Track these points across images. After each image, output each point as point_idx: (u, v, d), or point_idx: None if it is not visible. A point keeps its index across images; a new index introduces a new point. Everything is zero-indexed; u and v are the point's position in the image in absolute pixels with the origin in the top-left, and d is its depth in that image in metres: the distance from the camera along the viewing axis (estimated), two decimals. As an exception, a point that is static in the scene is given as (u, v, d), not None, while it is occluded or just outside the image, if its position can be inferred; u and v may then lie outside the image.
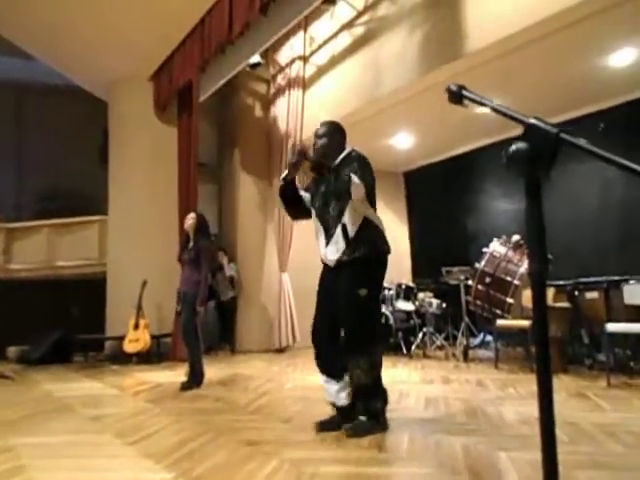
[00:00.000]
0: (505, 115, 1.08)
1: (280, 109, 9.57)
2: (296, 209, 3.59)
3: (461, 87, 1.20)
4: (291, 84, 9.20)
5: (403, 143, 9.34)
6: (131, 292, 8.23)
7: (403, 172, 11.27)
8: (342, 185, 3.15)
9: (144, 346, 7.98)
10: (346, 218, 3.27)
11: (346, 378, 3.35)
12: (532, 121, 1.01)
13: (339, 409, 3.40)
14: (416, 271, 10.50)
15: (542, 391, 0.91)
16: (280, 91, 9.63)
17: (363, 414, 3.26)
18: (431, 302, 7.85)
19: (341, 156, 3.41)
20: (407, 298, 8.12)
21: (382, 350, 3.46)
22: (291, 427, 3.53)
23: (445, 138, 9.16)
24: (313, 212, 3.52)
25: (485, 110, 1.14)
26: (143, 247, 8.85)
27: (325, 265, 3.46)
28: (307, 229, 10.03)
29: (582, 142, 0.92)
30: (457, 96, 1.20)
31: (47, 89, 11.31)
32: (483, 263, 6.75)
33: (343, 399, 3.36)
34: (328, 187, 3.38)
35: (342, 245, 3.28)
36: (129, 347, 7.99)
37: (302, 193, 3.58)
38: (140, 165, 9.17)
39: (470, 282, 6.97)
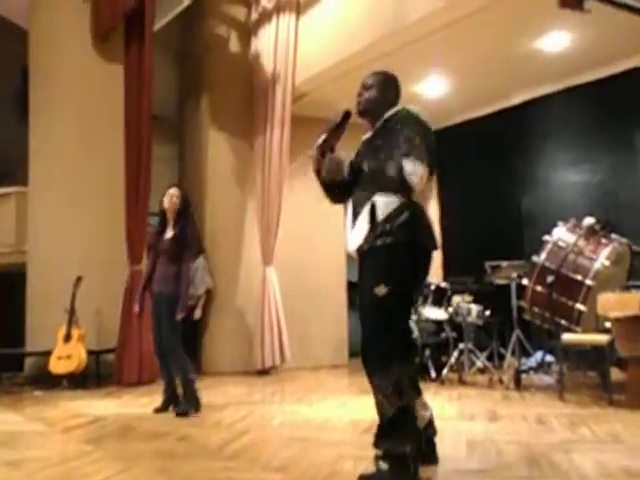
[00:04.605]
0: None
1: (265, 42, 9.43)
2: (337, 190, 3.69)
3: None
4: (281, 8, 9.06)
5: (434, 91, 9.22)
6: (60, 291, 8.12)
7: (434, 131, 11.14)
8: (384, 159, 3.30)
9: (78, 365, 7.87)
10: (379, 196, 3.34)
11: (421, 402, 3.51)
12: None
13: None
14: (449, 266, 10.43)
15: None
16: (265, 17, 9.48)
17: (384, 458, 3.27)
18: (470, 309, 7.80)
19: (387, 114, 3.52)
20: (437, 303, 8.05)
21: (412, 372, 3.49)
22: (286, 479, 3.47)
23: (491, 84, 9.04)
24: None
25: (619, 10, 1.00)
26: (77, 230, 8.72)
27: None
28: (301, 208, 9.98)
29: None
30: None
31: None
32: (544, 256, 6.69)
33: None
34: (366, 155, 3.49)
35: (366, 229, 3.35)
36: (58, 366, 7.89)
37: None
38: (72, 117, 9.01)
39: (525, 282, 6.92)
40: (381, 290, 3.23)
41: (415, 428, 3.37)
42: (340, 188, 3.67)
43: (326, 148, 3.52)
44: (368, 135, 3.64)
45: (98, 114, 9.03)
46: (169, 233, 5.97)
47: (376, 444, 3.35)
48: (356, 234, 3.42)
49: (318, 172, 3.62)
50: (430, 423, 3.62)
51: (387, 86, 3.63)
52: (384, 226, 3.30)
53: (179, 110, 10.70)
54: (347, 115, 3.44)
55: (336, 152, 3.60)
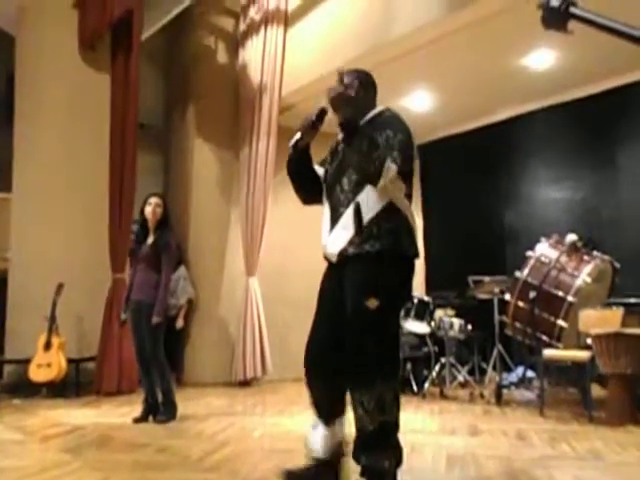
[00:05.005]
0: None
1: (253, 53, 9.44)
2: (309, 189, 3.60)
3: (568, 1, 1.08)
4: (269, 20, 9.08)
5: (420, 105, 9.26)
6: (41, 298, 8.06)
7: (418, 145, 11.15)
8: (368, 153, 3.12)
9: (58, 373, 7.82)
10: (363, 196, 3.23)
11: (342, 421, 3.36)
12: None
13: (320, 461, 3.36)
14: (432, 281, 10.45)
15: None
16: (253, 29, 9.49)
17: (363, 474, 3.23)
18: (452, 323, 7.83)
19: (370, 114, 3.41)
20: (420, 317, 8.05)
21: (396, 388, 3.36)
22: (265, 492, 3.46)
23: (477, 100, 9.10)
24: (324, 190, 3.52)
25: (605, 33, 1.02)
26: (59, 237, 8.69)
27: (329, 264, 3.46)
28: (285, 219, 9.96)
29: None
30: (559, 16, 1.08)
31: None
32: (526, 272, 6.73)
33: (325, 450, 3.33)
34: (346, 154, 3.37)
35: (350, 232, 3.23)
36: (37, 374, 7.83)
37: (316, 167, 3.59)
38: (58, 124, 9.00)
39: (507, 297, 6.95)
40: (373, 303, 3.13)
41: (396, 443, 3.29)
42: (310, 186, 3.59)
43: (301, 146, 3.44)
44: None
45: (84, 122, 9.03)
46: (150, 240, 6.00)
47: (354, 457, 3.30)
48: (339, 236, 3.30)
49: (291, 172, 3.56)
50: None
51: (365, 85, 3.52)
52: (371, 230, 3.20)
53: (165, 119, 10.67)
54: (322, 113, 3.35)
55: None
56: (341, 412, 3.37)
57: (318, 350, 3.41)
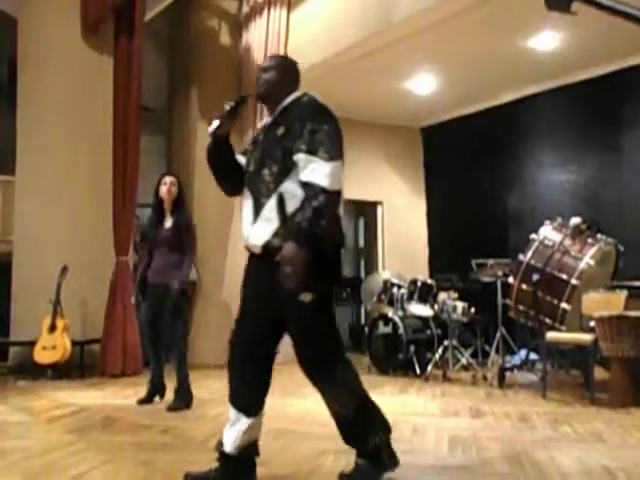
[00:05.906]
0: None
1: (256, 35, 9.41)
2: (231, 180, 3.46)
3: None
4: (272, 2, 9.04)
5: (423, 88, 9.24)
6: (46, 281, 8.07)
7: (421, 128, 11.17)
8: (281, 139, 3.11)
9: (63, 355, 7.85)
10: (287, 186, 3.07)
11: (258, 418, 3.29)
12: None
13: (227, 458, 3.26)
14: (436, 264, 10.46)
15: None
16: (256, 10, 9.46)
17: (358, 455, 3.26)
18: (455, 306, 7.82)
19: (288, 100, 3.31)
20: (423, 300, 8.08)
21: (350, 362, 3.30)
22: (269, 473, 3.47)
23: (480, 82, 9.09)
24: (245, 179, 3.36)
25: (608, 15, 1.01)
26: (63, 220, 8.68)
27: (252, 255, 3.29)
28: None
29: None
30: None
31: None
32: (529, 255, 6.72)
33: (237, 444, 3.24)
34: (264, 141, 3.28)
35: (275, 224, 3.07)
36: (42, 356, 7.86)
37: (238, 157, 3.46)
38: (61, 107, 8.96)
39: (510, 280, 6.95)
40: (307, 297, 2.99)
41: (376, 415, 3.26)
42: (232, 176, 3.44)
43: (220, 135, 3.32)
44: (267, 122, 3.39)
45: (86, 105, 8.98)
46: (168, 222, 5.84)
47: (345, 442, 3.29)
48: (262, 228, 3.12)
49: (211, 162, 3.45)
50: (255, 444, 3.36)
51: (287, 69, 3.42)
52: (296, 221, 2.99)
53: (168, 102, 10.65)
54: (242, 100, 3.31)
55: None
56: (261, 408, 3.31)
57: (241, 343, 3.28)
